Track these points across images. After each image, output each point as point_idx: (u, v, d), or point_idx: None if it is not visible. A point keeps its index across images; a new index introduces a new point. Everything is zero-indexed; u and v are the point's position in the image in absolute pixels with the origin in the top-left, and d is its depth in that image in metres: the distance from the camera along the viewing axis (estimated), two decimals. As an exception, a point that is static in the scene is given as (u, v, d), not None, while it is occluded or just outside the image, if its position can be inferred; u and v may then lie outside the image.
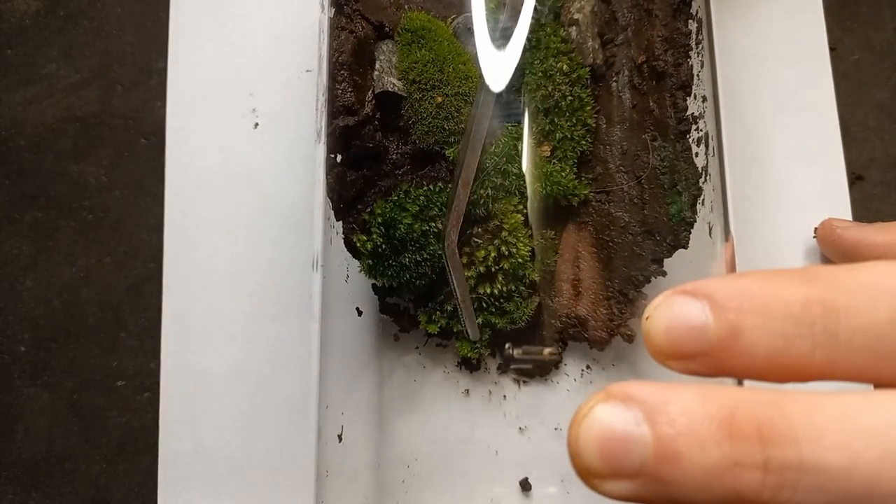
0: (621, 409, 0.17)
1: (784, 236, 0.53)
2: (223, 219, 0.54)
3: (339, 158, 0.44)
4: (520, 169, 0.45)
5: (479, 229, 0.45)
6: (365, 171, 0.44)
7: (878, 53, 0.57)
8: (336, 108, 0.43)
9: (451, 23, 0.46)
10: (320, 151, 0.44)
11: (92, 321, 0.54)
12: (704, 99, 0.46)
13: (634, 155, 0.46)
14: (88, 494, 0.53)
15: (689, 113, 0.45)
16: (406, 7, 0.46)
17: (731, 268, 0.44)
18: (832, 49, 0.56)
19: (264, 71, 0.56)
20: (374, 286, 0.48)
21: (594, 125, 0.46)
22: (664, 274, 0.46)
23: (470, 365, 0.50)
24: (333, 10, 0.45)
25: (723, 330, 0.18)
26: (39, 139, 0.56)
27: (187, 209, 0.55)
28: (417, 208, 0.43)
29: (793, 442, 0.16)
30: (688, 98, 0.45)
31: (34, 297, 0.55)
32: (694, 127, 0.45)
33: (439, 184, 0.44)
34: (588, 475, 0.18)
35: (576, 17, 0.45)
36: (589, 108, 0.46)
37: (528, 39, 0.44)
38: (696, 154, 0.45)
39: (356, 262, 0.46)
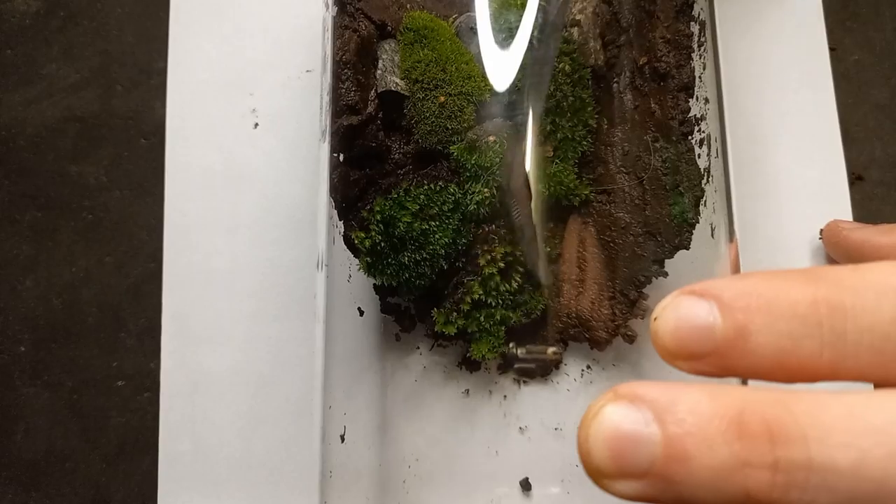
0: (630, 409, 0.17)
1: (784, 236, 0.53)
2: (223, 219, 0.54)
3: (341, 158, 0.44)
4: (524, 167, 0.45)
5: (494, 227, 0.45)
6: (368, 171, 0.44)
7: (878, 54, 0.57)
8: (340, 107, 0.43)
9: (453, 22, 0.46)
10: (324, 151, 0.44)
11: (92, 321, 0.54)
12: (707, 101, 0.46)
13: (636, 156, 0.46)
14: (88, 494, 0.53)
15: (691, 114, 0.45)
16: (408, 6, 0.46)
17: (735, 269, 0.44)
18: (832, 49, 0.56)
19: (264, 71, 0.56)
20: (375, 286, 0.48)
21: (595, 126, 0.46)
22: (665, 275, 0.46)
23: (470, 365, 0.50)
24: (336, 8, 0.45)
25: (730, 330, 0.18)
26: (39, 139, 0.56)
27: (187, 209, 0.55)
28: (417, 207, 0.43)
29: (802, 441, 0.16)
30: (690, 100, 0.45)
31: (34, 297, 0.55)
32: (696, 128, 0.45)
33: (440, 183, 0.44)
34: (598, 475, 0.18)
35: (577, 17, 0.45)
36: (590, 108, 0.46)
37: (531, 38, 0.44)
38: (699, 155, 0.45)
39: (358, 263, 0.46)
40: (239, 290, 0.53)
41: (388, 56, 0.45)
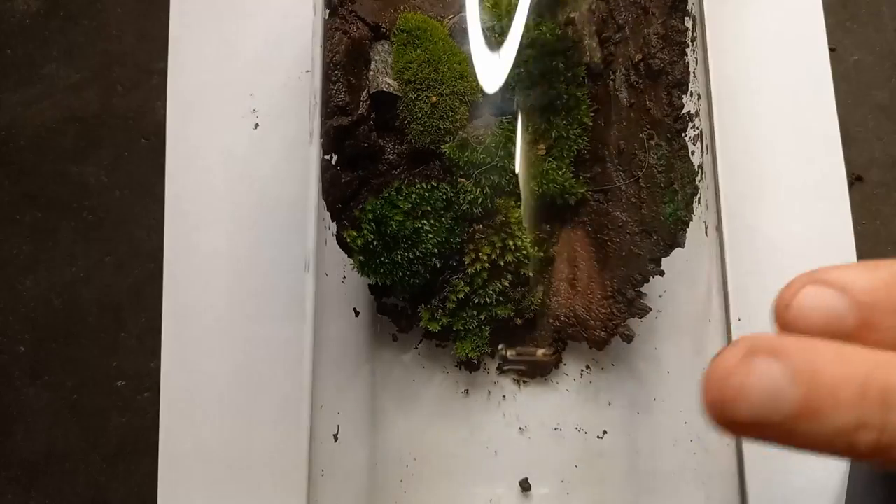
0: (772, 364, 0.18)
1: (784, 237, 0.53)
2: (223, 219, 0.54)
3: (333, 159, 0.44)
4: (515, 166, 0.45)
5: (482, 226, 0.45)
6: (360, 172, 0.44)
7: (878, 54, 0.57)
8: (330, 109, 0.43)
9: (446, 23, 0.46)
10: (313, 152, 0.44)
11: (92, 321, 0.54)
12: (699, 96, 0.46)
13: (632, 154, 0.46)
14: (88, 494, 0.53)
15: (685, 111, 0.45)
16: (402, 7, 0.46)
17: (721, 264, 0.44)
18: (832, 50, 0.56)
19: (264, 71, 0.56)
20: (370, 286, 0.48)
21: (591, 124, 0.46)
22: (662, 273, 0.46)
23: (469, 365, 0.50)
24: (328, 11, 0.45)
25: (859, 321, 0.19)
26: (39, 139, 0.56)
27: (187, 209, 0.55)
28: (409, 206, 0.44)
29: None
30: (684, 96, 0.45)
31: (34, 297, 0.55)
32: (690, 125, 0.45)
33: (433, 182, 0.44)
34: (731, 424, 0.19)
35: (572, 15, 0.45)
36: (585, 106, 0.46)
37: (525, 38, 0.44)
38: (693, 152, 0.45)
39: (352, 263, 0.46)
40: (239, 291, 0.53)
41: (382, 57, 0.45)
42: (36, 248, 0.55)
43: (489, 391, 0.51)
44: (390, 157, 0.45)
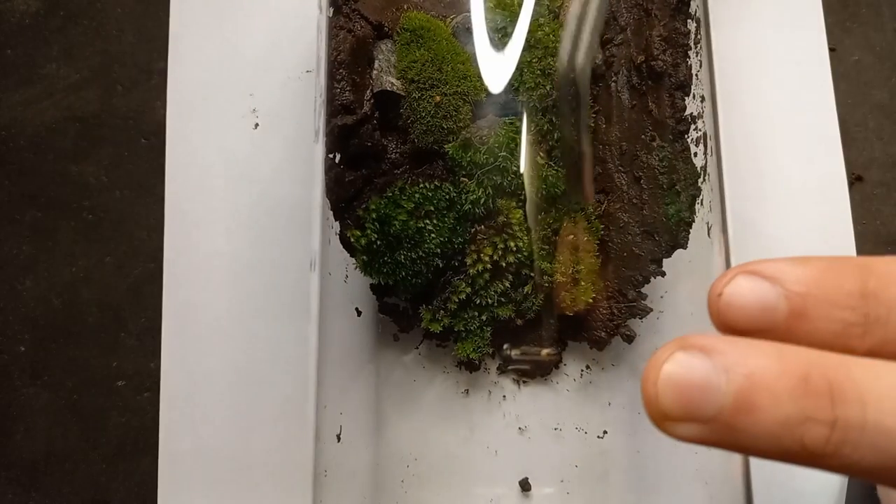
0: (702, 359, 0.19)
1: (784, 236, 0.53)
2: (223, 219, 0.54)
3: (337, 158, 0.44)
4: (518, 167, 0.45)
5: (484, 227, 0.45)
6: (363, 171, 0.44)
7: (877, 54, 0.57)
8: (334, 108, 0.43)
9: (450, 22, 0.46)
10: (318, 151, 0.44)
11: (92, 321, 0.54)
12: (703, 99, 0.46)
13: (633, 155, 0.46)
14: (88, 494, 0.53)
15: (687, 113, 0.45)
16: (405, 7, 0.46)
17: (727, 267, 0.44)
18: (832, 50, 0.56)
19: (264, 71, 0.56)
20: (372, 286, 0.48)
21: (593, 125, 0.46)
22: (663, 274, 0.46)
23: (470, 365, 0.50)
24: (332, 9, 0.45)
25: (791, 312, 0.20)
26: (39, 139, 0.56)
27: (187, 209, 0.55)
28: (413, 205, 0.43)
29: (859, 404, 0.18)
30: (686, 98, 0.45)
31: (34, 297, 0.55)
32: (693, 127, 0.45)
33: (436, 182, 0.44)
34: (662, 418, 0.19)
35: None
36: (587, 108, 0.46)
37: (527, 39, 0.44)
38: (695, 154, 0.45)
39: (354, 263, 0.46)
40: (239, 291, 0.53)
41: (385, 56, 0.45)
42: (36, 248, 0.55)
43: (489, 391, 0.51)
44: (393, 156, 0.45)
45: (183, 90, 0.56)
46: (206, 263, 0.54)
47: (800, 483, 0.51)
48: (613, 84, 0.46)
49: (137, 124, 0.57)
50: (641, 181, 0.45)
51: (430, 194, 0.44)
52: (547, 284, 0.47)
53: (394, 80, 0.44)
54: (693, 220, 0.45)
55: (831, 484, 0.50)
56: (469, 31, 0.45)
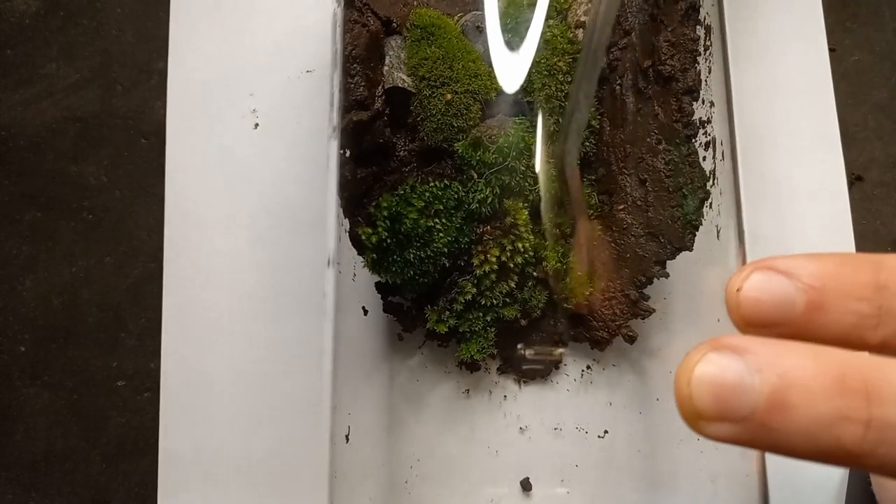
0: (735, 359, 0.19)
1: (783, 236, 0.53)
2: (223, 219, 0.54)
3: (348, 154, 0.44)
4: (526, 167, 0.45)
5: (490, 227, 0.45)
6: (374, 168, 0.44)
7: (878, 54, 0.57)
8: (349, 102, 0.42)
9: (458, 20, 0.46)
10: (333, 147, 0.43)
11: (92, 321, 0.54)
12: (713, 104, 0.46)
13: (638, 157, 0.46)
14: (88, 494, 0.53)
15: (695, 117, 0.45)
16: (414, 3, 0.46)
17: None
18: (832, 50, 0.56)
19: (264, 71, 0.56)
20: (377, 285, 0.48)
21: (598, 126, 0.46)
22: (667, 275, 0.46)
23: (471, 365, 0.50)
24: (343, 3, 0.45)
25: (808, 305, 0.20)
26: (39, 139, 0.56)
27: (187, 209, 0.55)
28: (423, 204, 0.43)
29: (894, 403, 0.18)
30: (694, 103, 0.45)
31: (34, 297, 0.55)
32: (702, 131, 0.45)
33: (445, 181, 0.44)
34: (695, 417, 0.19)
35: (582, 19, 0.45)
36: (593, 109, 0.46)
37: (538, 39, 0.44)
38: (704, 158, 0.45)
39: (362, 260, 0.45)
40: (239, 290, 0.53)
41: (395, 53, 0.44)
42: (36, 248, 0.55)
43: (490, 391, 0.51)
44: (401, 153, 0.44)
45: (183, 90, 0.56)
46: (206, 263, 0.54)
47: (799, 482, 0.51)
48: (618, 87, 0.46)
49: (137, 124, 0.56)
50: (647, 184, 0.45)
51: (440, 193, 0.44)
52: (555, 284, 0.47)
53: (405, 77, 0.44)
54: (700, 224, 0.45)
55: (832, 477, 0.50)
56: (478, 29, 0.45)
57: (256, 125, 0.56)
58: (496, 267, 0.45)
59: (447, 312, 0.46)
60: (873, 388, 0.18)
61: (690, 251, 0.45)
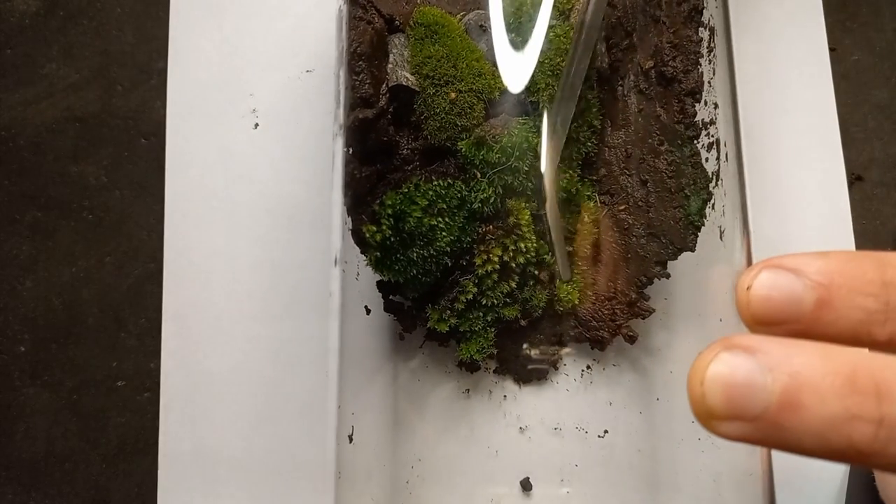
0: (747, 358, 0.19)
1: (783, 236, 0.53)
2: (223, 219, 0.54)
3: (351, 152, 0.44)
4: (529, 167, 0.45)
5: (493, 227, 0.45)
6: (378, 166, 0.44)
7: (877, 54, 0.57)
8: (354, 100, 0.42)
9: (461, 19, 0.46)
10: (338, 145, 0.43)
11: (92, 321, 0.54)
12: (716, 105, 0.46)
13: (640, 158, 0.46)
14: (88, 494, 0.53)
15: (698, 119, 0.45)
16: (417, 1, 0.46)
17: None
18: (832, 49, 0.56)
19: (264, 71, 0.56)
20: (378, 283, 0.48)
21: (600, 127, 0.46)
22: (668, 276, 0.46)
23: (471, 365, 0.50)
24: (348, 0, 0.44)
25: (815, 301, 0.20)
26: (39, 139, 0.56)
27: (187, 209, 0.55)
28: (426, 202, 0.43)
29: None
30: (697, 104, 0.44)
31: (34, 297, 0.55)
32: (704, 133, 0.45)
33: (448, 180, 0.44)
34: (708, 416, 0.19)
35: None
36: (595, 109, 0.46)
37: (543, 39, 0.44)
38: (707, 159, 0.45)
39: (366, 259, 0.45)
40: (239, 290, 0.53)
41: (398, 51, 0.44)
42: (36, 248, 0.55)
43: (490, 391, 0.51)
44: (404, 152, 0.44)
45: (183, 90, 0.56)
46: (206, 263, 0.54)
47: (804, 480, 0.51)
48: (620, 88, 0.46)
49: (137, 124, 0.56)
50: (648, 184, 0.45)
51: (443, 192, 0.44)
52: (557, 283, 0.47)
53: (408, 75, 0.43)
54: (703, 224, 0.45)
55: (837, 474, 0.50)
56: (482, 28, 0.45)
57: (256, 125, 0.56)
58: (498, 267, 0.45)
59: (448, 312, 0.46)
60: (884, 386, 0.18)
61: (692, 252, 0.45)
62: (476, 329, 0.47)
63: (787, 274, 0.21)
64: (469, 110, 0.43)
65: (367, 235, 0.43)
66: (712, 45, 0.46)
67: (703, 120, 0.45)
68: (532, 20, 0.44)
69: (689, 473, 0.49)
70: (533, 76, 0.44)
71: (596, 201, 0.47)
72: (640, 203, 0.46)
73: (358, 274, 0.48)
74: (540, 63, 0.44)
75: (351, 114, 0.42)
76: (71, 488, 0.53)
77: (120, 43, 0.58)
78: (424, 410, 0.50)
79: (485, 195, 0.44)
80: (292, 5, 0.57)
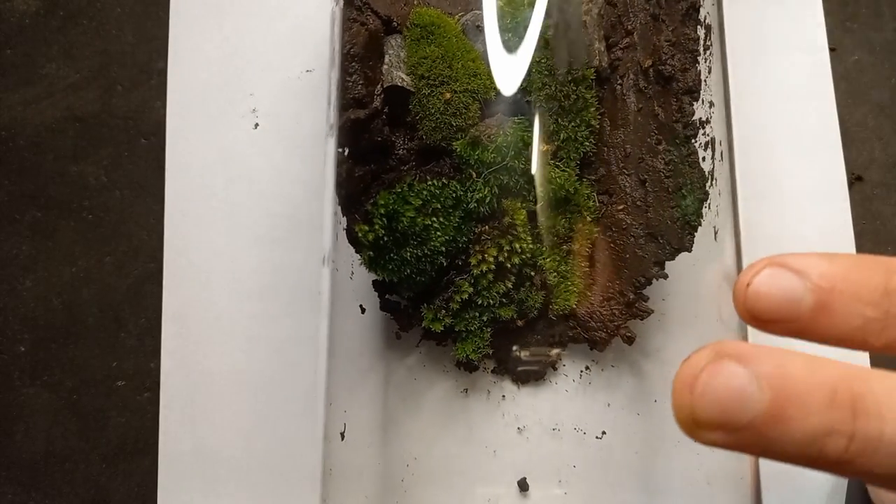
0: (737, 367, 0.19)
1: (784, 236, 0.53)
2: (223, 219, 0.54)
3: (346, 152, 0.44)
4: (525, 167, 0.45)
5: (488, 227, 0.45)
6: (372, 166, 0.44)
7: (878, 54, 0.57)
8: (346, 101, 0.42)
9: (458, 19, 0.46)
10: (331, 145, 0.44)
11: (92, 321, 0.54)
12: (712, 104, 0.46)
13: (638, 158, 0.46)
14: (88, 494, 0.53)
15: (695, 118, 0.45)
16: (415, 2, 0.46)
17: (738, 271, 0.44)
18: (832, 49, 0.56)
19: (264, 71, 0.56)
20: (374, 283, 0.48)
21: (598, 126, 0.46)
22: (666, 276, 0.46)
23: (469, 365, 0.50)
24: (342, 1, 0.45)
25: (816, 304, 0.20)
26: (39, 139, 0.56)
27: (187, 209, 0.55)
28: (420, 202, 0.43)
29: (877, 418, 0.18)
30: (694, 103, 0.44)
31: (34, 297, 0.55)
32: (701, 132, 0.45)
33: (443, 179, 0.44)
34: (693, 425, 0.19)
35: (583, 18, 0.45)
36: (593, 108, 0.46)
37: (537, 39, 0.44)
38: (703, 159, 0.45)
39: (360, 258, 0.45)
40: (239, 290, 0.53)
41: (395, 51, 0.45)
42: (36, 248, 0.55)
43: (489, 391, 0.51)
44: (400, 152, 0.45)
45: (183, 90, 0.56)
46: (206, 263, 0.54)
47: (801, 482, 0.51)
48: (619, 87, 0.46)
49: (137, 124, 0.57)
50: (646, 184, 0.45)
51: (438, 192, 0.44)
52: (552, 284, 0.47)
53: (404, 76, 0.44)
54: (699, 224, 0.45)
55: (823, 480, 0.50)
56: (479, 28, 0.45)
57: (256, 125, 0.56)
58: (493, 267, 0.45)
59: (443, 311, 0.46)
60: (860, 401, 0.18)
61: (689, 252, 0.45)
62: (472, 329, 0.47)
63: (790, 274, 0.21)
64: (464, 110, 0.44)
65: (360, 235, 0.43)
66: (709, 42, 0.46)
67: (700, 119, 0.45)
68: (525, 19, 0.45)
69: (685, 475, 0.49)
70: (530, 75, 0.44)
71: (595, 201, 0.47)
72: (638, 203, 0.46)
73: (352, 273, 0.48)
74: (537, 62, 0.44)
75: (343, 114, 0.42)
76: (71, 488, 0.53)
77: (120, 43, 0.58)
78: (421, 409, 0.50)
79: (481, 195, 0.44)
80: (292, 5, 0.57)
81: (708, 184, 0.45)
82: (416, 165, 0.45)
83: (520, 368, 0.50)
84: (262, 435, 0.52)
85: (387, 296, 0.49)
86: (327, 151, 0.44)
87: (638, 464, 0.50)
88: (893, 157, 0.55)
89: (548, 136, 0.45)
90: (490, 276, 0.45)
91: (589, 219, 0.46)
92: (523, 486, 0.49)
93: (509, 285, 0.46)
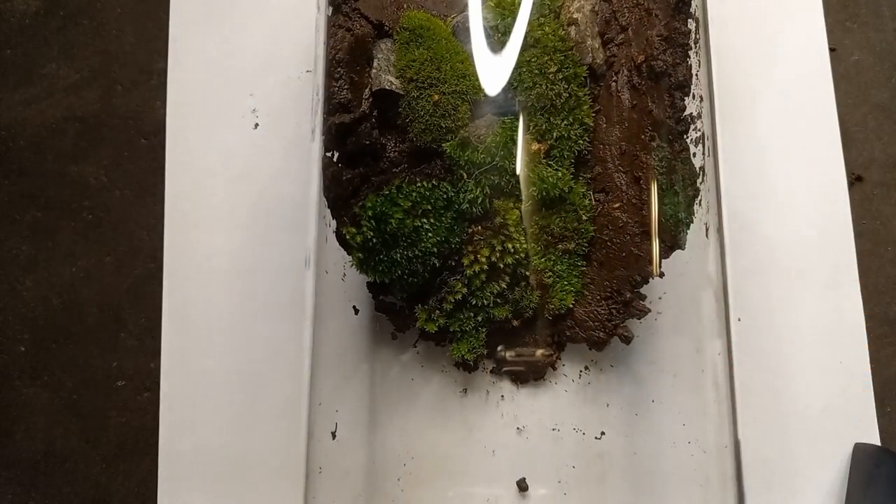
0: None
1: (784, 237, 0.53)
2: (223, 219, 0.54)
3: (335, 157, 0.44)
4: (515, 167, 0.45)
5: (481, 228, 0.45)
6: (361, 170, 0.44)
7: (878, 54, 0.57)
8: (332, 106, 0.43)
9: (450, 22, 0.46)
10: (315, 150, 0.44)
11: (92, 321, 0.54)
12: (702, 98, 0.46)
13: (633, 155, 0.45)
14: (88, 494, 0.53)
15: (687, 113, 0.45)
16: (406, 6, 0.46)
17: (722, 265, 0.44)
18: (832, 50, 0.56)
19: (264, 71, 0.56)
20: (368, 284, 0.48)
21: (592, 124, 0.46)
22: (661, 275, 0.46)
23: (467, 365, 0.50)
24: (331, 8, 0.45)
25: None
26: (39, 139, 0.56)
27: (187, 209, 0.55)
28: (409, 204, 0.43)
29: None
30: (686, 98, 0.44)
31: (34, 297, 0.55)
32: (692, 127, 0.45)
33: (433, 181, 0.44)
34: None
35: (575, 16, 0.45)
36: (587, 106, 0.46)
37: (527, 38, 0.44)
38: (694, 154, 0.45)
39: (351, 261, 0.46)
40: (239, 291, 0.53)
41: (385, 55, 0.45)
42: (36, 248, 0.55)
43: (487, 391, 0.51)
44: (391, 155, 0.45)
45: (183, 90, 0.56)
46: (206, 263, 0.54)
47: (800, 483, 0.51)
48: (614, 84, 0.46)
49: (137, 124, 0.57)
50: (641, 181, 0.45)
51: (428, 193, 0.44)
52: (547, 284, 0.47)
53: (393, 79, 0.44)
54: (691, 221, 0.45)
55: (829, 485, 0.50)
56: (468, 30, 0.45)
57: (256, 125, 0.56)
58: (486, 267, 0.45)
59: (437, 312, 0.46)
60: None
61: (683, 249, 0.45)
62: (467, 329, 0.47)
63: None
64: (453, 112, 0.44)
65: (348, 237, 0.44)
66: (698, 36, 0.46)
67: (691, 114, 0.45)
68: (512, 19, 0.45)
69: (681, 475, 0.49)
70: (519, 75, 0.44)
71: (590, 199, 0.47)
72: (633, 200, 0.46)
73: (344, 275, 0.48)
74: (527, 62, 0.44)
75: (329, 119, 0.42)
76: (71, 488, 0.53)
77: (120, 43, 0.58)
78: (418, 409, 0.50)
79: (472, 195, 0.44)
80: (292, 6, 0.57)
81: (699, 180, 0.45)
82: (407, 167, 0.45)
83: (505, 369, 0.50)
84: (262, 435, 0.52)
85: (381, 297, 0.49)
86: (312, 156, 0.44)
87: (637, 464, 0.50)
88: (893, 157, 0.55)
89: (540, 135, 0.45)
90: (483, 277, 0.45)
91: (585, 217, 0.46)
92: (522, 486, 0.49)
93: (503, 285, 0.46)
